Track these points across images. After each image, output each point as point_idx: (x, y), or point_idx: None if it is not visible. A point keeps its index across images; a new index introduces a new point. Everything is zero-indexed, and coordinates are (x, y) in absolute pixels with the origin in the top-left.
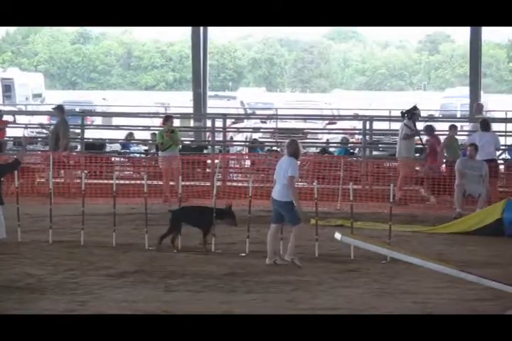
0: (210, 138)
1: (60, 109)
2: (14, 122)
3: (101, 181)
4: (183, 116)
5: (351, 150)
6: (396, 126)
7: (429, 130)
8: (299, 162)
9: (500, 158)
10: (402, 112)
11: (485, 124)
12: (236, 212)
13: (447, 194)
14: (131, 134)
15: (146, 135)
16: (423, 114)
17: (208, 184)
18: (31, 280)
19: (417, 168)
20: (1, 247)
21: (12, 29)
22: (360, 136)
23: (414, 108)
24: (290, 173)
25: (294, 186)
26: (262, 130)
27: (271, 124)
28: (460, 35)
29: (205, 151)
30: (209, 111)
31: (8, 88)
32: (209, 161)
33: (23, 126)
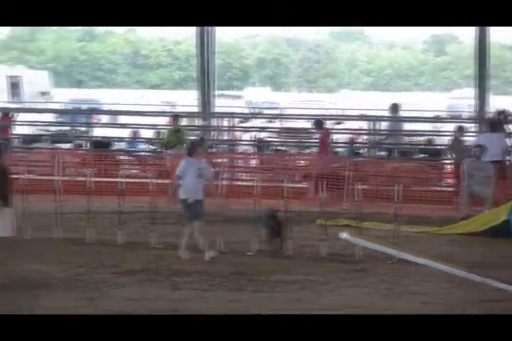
0: (216, 137)
1: None
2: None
3: (108, 179)
4: (190, 115)
5: (357, 151)
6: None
7: (319, 124)
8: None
9: (508, 159)
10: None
11: (493, 125)
12: (243, 211)
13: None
14: (135, 133)
15: (152, 133)
16: (429, 114)
17: (215, 183)
18: (39, 277)
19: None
20: (9, 245)
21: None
22: (367, 136)
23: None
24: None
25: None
26: (268, 129)
27: (277, 124)
28: (467, 36)
29: (211, 150)
30: (215, 110)
31: (15, 86)
32: (216, 160)
33: (30, 123)
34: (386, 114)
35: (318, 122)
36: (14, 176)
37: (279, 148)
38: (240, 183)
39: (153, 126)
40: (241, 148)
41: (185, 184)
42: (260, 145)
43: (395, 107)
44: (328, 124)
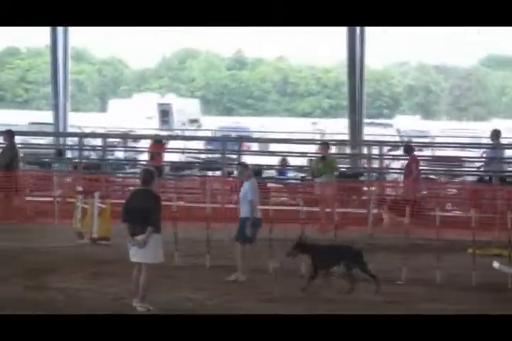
0: (366, 165)
1: (9, 133)
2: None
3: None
4: (340, 143)
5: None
6: None
7: (408, 150)
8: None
9: None
10: None
11: None
12: (394, 239)
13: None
14: (284, 160)
15: (301, 161)
16: None
17: (364, 211)
18: (190, 304)
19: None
20: (158, 271)
21: (168, 54)
22: None
23: None
24: None
25: None
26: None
27: (427, 152)
28: None
29: (361, 178)
30: (365, 138)
31: (165, 113)
32: (365, 188)
33: (180, 151)
34: None
35: (408, 147)
36: (165, 203)
37: (429, 176)
38: None
39: (302, 154)
40: (390, 177)
41: None
42: None
43: (495, 134)
44: (480, 153)
